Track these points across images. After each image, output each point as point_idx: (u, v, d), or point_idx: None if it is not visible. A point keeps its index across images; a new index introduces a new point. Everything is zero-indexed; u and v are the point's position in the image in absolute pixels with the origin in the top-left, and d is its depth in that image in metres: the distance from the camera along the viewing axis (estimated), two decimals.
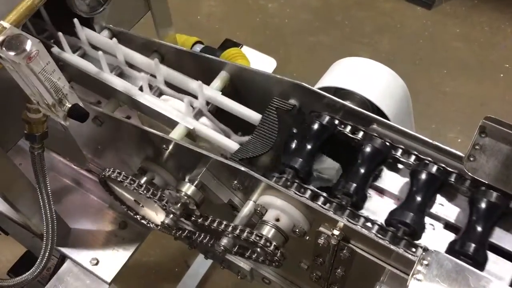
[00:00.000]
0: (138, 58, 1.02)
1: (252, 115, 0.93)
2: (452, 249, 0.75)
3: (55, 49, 1.01)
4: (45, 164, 0.96)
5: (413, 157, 0.82)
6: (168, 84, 1.00)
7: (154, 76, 1.00)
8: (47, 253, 1.04)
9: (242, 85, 0.99)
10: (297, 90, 0.91)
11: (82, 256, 1.20)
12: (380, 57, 2.63)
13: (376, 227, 0.77)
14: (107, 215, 1.27)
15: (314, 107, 0.90)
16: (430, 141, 0.81)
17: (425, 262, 0.67)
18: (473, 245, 0.73)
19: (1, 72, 0.79)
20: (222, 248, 0.84)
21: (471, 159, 0.77)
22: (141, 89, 0.98)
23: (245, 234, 0.81)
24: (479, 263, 0.73)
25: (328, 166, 0.88)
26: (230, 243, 0.84)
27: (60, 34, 0.97)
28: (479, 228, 0.75)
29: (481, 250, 0.73)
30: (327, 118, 0.87)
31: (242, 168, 0.81)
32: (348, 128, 0.86)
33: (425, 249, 0.71)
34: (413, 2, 2.88)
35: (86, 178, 1.31)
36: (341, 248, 0.80)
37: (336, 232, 0.77)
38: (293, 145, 0.89)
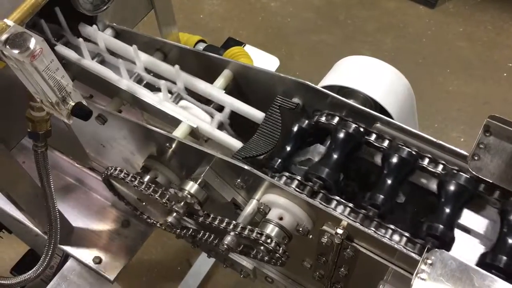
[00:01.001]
0: (161, 65, 1.02)
1: (256, 114, 0.93)
2: (482, 262, 0.73)
3: (58, 47, 1.01)
4: (49, 163, 0.96)
5: (440, 166, 0.80)
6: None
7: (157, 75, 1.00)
8: (51, 251, 1.05)
9: (245, 84, 0.99)
10: (301, 89, 0.91)
11: (85, 254, 1.20)
12: (383, 56, 2.62)
13: (404, 239, 0.74)
14: (110, 214, 1.27)
15: (317, 105, 0.90)
16: (435, 140, 0.81)
17: (429, 261, 0.67)
18: (504, 257, 0.70)
19: (5, 70, 0.79)
20: (225, 246, 0.84)
21: (476, 158, 0.76)
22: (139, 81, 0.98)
23: (248, 232, 0.81)
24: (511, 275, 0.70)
25: (312, 155, 0.88)
26: (234, 242, 0.84)
27: (81, 40, 0.98)
28: (510, 240, 0.72)
29: None
30: (353, 126, 0.84)
31: (246, 167, 0.81)
32: (373, 136, 0.84)
33: (429, 249, 0.71)
34: (416, 1, 2.87)
35: (89, 177, 1.31)
36: (345, 247, 0.80)
37: (339, 231, 0.76)
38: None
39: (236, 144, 0.90)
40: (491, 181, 0.75)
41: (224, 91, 0.96)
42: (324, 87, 0.91)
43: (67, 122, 0.82)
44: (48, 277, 1.24)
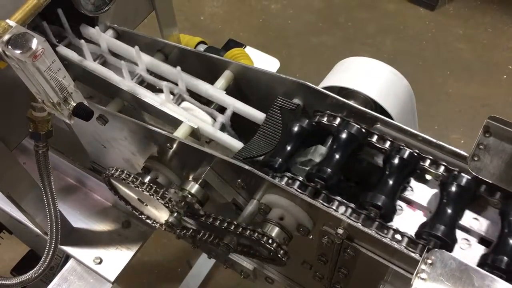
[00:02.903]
0: (124, 48, 1.03)
1: (256, 114, 0.93)
2: (484, 263, 0.73)
3: (60, 48, 1.01)
4: (50, 163, 0.96)
5: (442, 168, 0.80)
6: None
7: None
8: (51, 251, 1.05)
9: (246, 85, 0.99)
10: (301, 90, 0.91)
11: (85, 255, 1.20)
12: (383, 58, 2.61)
13: (406, 239, 0.74)
14: (110, 214, 1.27)
15: (318, 106, 0.90)
16: (434, 140, 0.81)
17: (429, 261, 0.68)
18: (505, 258, 0.70)
19: (6, 71, 0.79)
20: (226, 246, 0.84)
21: (475, 158, 0.77)
22: (141, 82, 0.99)
23: (249, 232, 0.81)
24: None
25: (313, 156, 0.88)
26: (234, 242, 0.84)
27: (83, 42, 0.98)
28: (511, 241, 0.72)
29: None
30: (355, 127, 0.84)
31: (246, 167, 0.81)
32: (375, 137, 0.84)
33: (429, 248, 0.71)
34: (416, 3, 2.88)
35: (89, 177, 1.31)
36: (345, 247, 0.80)
37: (340, 231, 0.77)
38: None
39: (237, 144, 0.90)
40: (491, 182, 0.75)
41: (225, 92, 0.96)
42: (325, 88, 0.92)
43: (68, 122, 0.82)
44: (48, 278, 1.24)
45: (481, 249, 0.77)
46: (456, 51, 2.69)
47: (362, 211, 0.77)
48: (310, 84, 0.90)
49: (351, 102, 0.88)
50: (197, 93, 0.98)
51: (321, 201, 0.78)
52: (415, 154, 0.81)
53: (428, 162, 0.81)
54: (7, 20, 0.74)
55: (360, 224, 0.75)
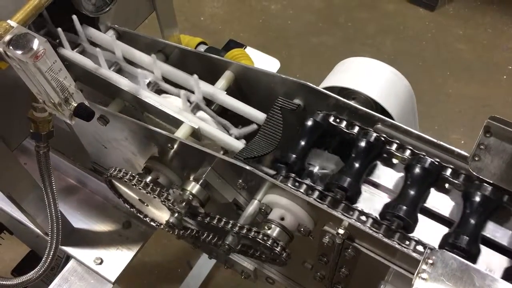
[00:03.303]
0: (137, 55, 1.03)
1: (257, 115, 0.93)
2: (445, 242, 0.76)
3: (65, 51, 1.01)
4: (50, 163, 0.96)
5: (408, 152, 0.83)
6: (169, 82, 1.01)
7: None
8: (52, 252, 1.05)
9: (246, 85, 0.99)
10: (302, 90, 0.91)
11: (86, 255, 1.20)
12: (383, 58, 2.61)
13: (370, 220, 0.78)
14: (111, 215, 1.27)
15: (318, 106, 0.91)
16: (435, 140, 0.81)
17: (430, 261, 0.68)
18: (466, 238, 0.74)
19: (7, 71, 0.80)
20: (227, 246, 0.84)
21: (476, 158, 0.77)
22: (158, 91, 0.99)
23: (249, 232, 0.81)
24: (472, 255, 0.74)
25: (327, 160, 0.89)
26: (235, 242, 0.84)
27: (59, 30, 0.97)
28: (472, 222, 0.76)
29: (474, 243, 0.74)
30: (321, 114, 0.89)
31: (247, 167, 0.81)
32: (344, 123, 0.88)
33: (431, 248, 0.71)
34: (416, 3, 2.88)
35: (90, 178, 1.31)
36: (346, 247, 0.80)
37: (341, 231, 0.77)
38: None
39: (237, 145, 0.90)
40: (491, 182, 0.76)
41: (225, 92, 0.96)
42: (325, 88, 0.92)
43: (69, 122, 0.82)
44: (48, 278, 1.24)
45: (443, 229, 0.80)
46: (456, 51, 2.69)
47: (329, 193, 0.80)
48: (311, 85, 0.90)
49: (352, 102, 0.88)
50: (170, 79, 0.99)
51: (316, 199, 0.79)
52: (382, 138, 0.84)
53: (394, 146, 0.84)
54: (8, 21, 0.74)
55: (359, 224, 0.76)
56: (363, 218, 0.78)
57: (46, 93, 0.76)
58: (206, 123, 0.93)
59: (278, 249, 0.79)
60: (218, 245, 0.90)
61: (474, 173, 0.77)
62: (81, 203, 1.29)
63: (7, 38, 0.70)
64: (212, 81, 0.98)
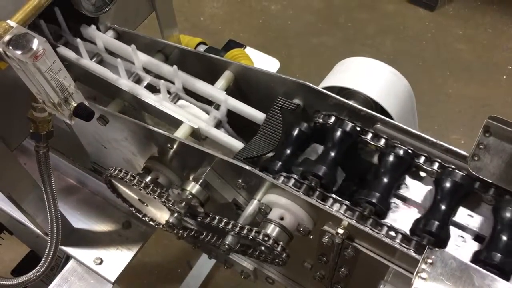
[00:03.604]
0: (118, 45, 1.03)
1: (257, 115, 0.93)
2: (477, 259, 0.73)
3: (60, 49, 1.01)
4: (50, 163, 0.96)
5: (436, 165, 0.81)
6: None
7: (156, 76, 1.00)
8: (52, 252, 1.05)
9: (246, 85, 0.99)
10: (301, 90, 0.91)
11: (86, 255, 1.20)
12: (383, 58, 2.61)
13: (400, 236, 0.75)
14: (111, 215, 1.27)
15: (318, 106, 0.91)
16: (435, 140, 0.81)
17: (429, 260, 0.68)
18: (498, 255, 0.70)
19: (7, 71, 0.80)
20: (226, 246, 0.84)
21: (476, 158, 0.77)
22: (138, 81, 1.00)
23: (249, 232, 0.81)
24: (505, 272, 0.70)
25: (309, 155, 0.89)
26: (235, 242, 0.84)
27: (79, 40, 0.99)
28: (504, 237, 0.73)
29: (507, 259, 0.71)
30: (350, 125, 0.86)
31: (247, 167, 0.81)
32: (369, 135, 0.85)
33: (429, 248, 0.71)
34: (415, 4, 2.88)
35: (90, 178, 1.31)
36: (345, 247, 0.80)
37: (340, 231, 0.77)
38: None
39: (237, 144, 0.90)
40: (491, 181, 0.76)
41: (225, 92, 0.97)
42: (325, 88, 0.92)
43: (69, 123, 0.82)
44: (48, 278, 1.24)
45: (475, 246, 0.77)
46: (456, 51, 2.69)
47: (356, 208, 0.78)
48: (310, 84, 0.90)
49: (351, 102, 0.88)
50: (195, 92, 0.98)
51: (320, 201, 0.79)
52: (410, 152, 0.82)
53: (422, 159, 0.82)
54: (8, 21, 0.74)
55: (359, 224, 0.76)
56: (392, 233, 0.75)
57: (45, 93, 0.76)
58: (187, 109, 0.94)
59: (276, 248, 0.79)
60: (217, 245, 0.90)
61: (473, 172, 0.77)
62: (81, 203, 1.29)
63: (7, 38, 0.71)
64: (212, 81, 0.98)
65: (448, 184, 0.78)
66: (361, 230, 0.75)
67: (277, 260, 0.82)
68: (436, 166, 0.81)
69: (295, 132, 0.89)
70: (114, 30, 1.09)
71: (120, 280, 1.19)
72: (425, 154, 0.82)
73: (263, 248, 0.81)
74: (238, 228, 0.83)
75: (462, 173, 0.78)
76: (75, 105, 0.80)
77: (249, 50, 1.53)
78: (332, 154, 0.84)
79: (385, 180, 0.81)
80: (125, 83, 0.98)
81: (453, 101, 2.50)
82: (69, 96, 0.79)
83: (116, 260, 1.20)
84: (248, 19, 2.92)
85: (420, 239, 0.74)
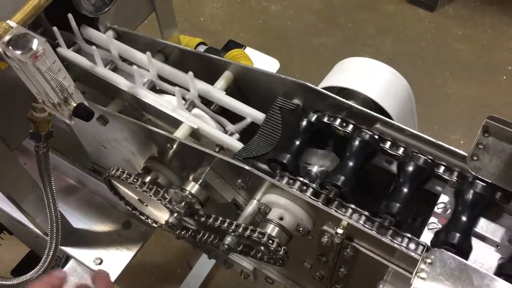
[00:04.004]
0: (132, 53, 1.03)
1: (256, 115, 0.93)
2: (501, 271, 0.71)
3: (60, 49, 1.01)
4: (50, 163, 0.96)
5: (455, 174, 0.80)
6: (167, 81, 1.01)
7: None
8: (52, 252, 1.05)
9: (246, 85, 0.99)
10: (301, 90, 0.91)
11: (85, 255, 1.20)
12: (383, 58, 2.62)
13: (420, 247, 0.74)
14: (110, 215, 1.27)
15: (317, 107, 0.91)
16: (434, 140, 0.81)
17: (428, 260, 0.68)
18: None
19: (7, 71, 0.80)
20: (226, 246, 0.84)
21: (475, 158, 0.77)
22: (152, 88, 0.99)
23: (249, 232, 0.81)
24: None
25: (323, 157, 0.89)
26: (234, 242, 0.84)
27: (55, 28, 0.97)
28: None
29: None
30: (369, 134, 0.85)
31: (247, 167, 0.81)
32: (388, 143, 0.85)
33: (428, 248, 0.71)
34: (415, 4, 2.89)
35: (89, 178, 1.31)
36: (345, 247, 0.80)
37: (339, 231, 0.77)
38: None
39: (237, 144, 0.90)
40: (490, 181, 0.76)
41: (224, 92, 0.97)
42: (324, 89, 0.92)
43: (68, 123, 0.82)
44: None
45: (496, 256, 0.75)
46: (456, 52, 2.69)
47: (376, 219, 0.77)
48: (310, 85, 0.90)
49: (351, 102, 0.88)
50: (204, 97, 0.98)
51: (315, 199, 0.79)
52: (429, 161, 0.81)
53: (442, 168, 0.81)
54: (8, 21, 0.75)
55: (358, 223, 0.76)
56: (412, 245, 0.74)
57: (45, 93, 0.77)
58: (202, 120, 0.93)
59: (276, 247, 0.79)
60: (217, 245, 0.90)
61: (472, 172, 0.77)
62: (81, 203, 1.29)
63: (7, 38, 0.71)
64: (212, 81, 0.99)
65: (469, 195, 0.77)
66: (360, 230, 0.75)
67: (276, 260, 0.82)
68: (455, 175, 0.80)
69: (305, 124, 0.89)
70: (114, 30, 1.09)
71: (120, 280, 1.19)
72: (443, 163, 0.81)
73: (262, 248, 0.81)
74: (237, 228, 0.83)
75: (483, 184, 0.76)
76: (74, 105, 0.80)
77: (249, 51, 1.53)
78: (351, 163, 0.84)
79: (405, 190, 0.80)
80: (122, 81, 0.98)
81: (453, 101, 2.51)
82: (68, 96, 0.79)
83: (116, 260, 1.20)
84: (248, 19, 2.92)
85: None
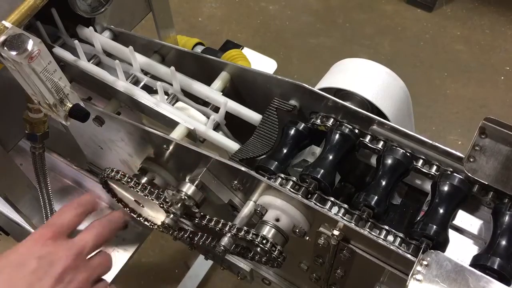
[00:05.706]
0: (115, 46, 1.03)
1: (253, 116, 0.93)
2: (476, 263, 0.72)
3: (56, 49, 1.01)
4: (46, 164, 0.96)
5: (434, 168, 0.80)
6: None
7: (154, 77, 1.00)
8: None
9: (242, 86, 0.99)
10: (298, 91, 0.91)
11: None
12: (381, 59, 2.64)
13: (398, 239, 0.74)
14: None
15: (314, 108, 0.91)
16: (430, 141, 0.81)
17: (424, 262, 0.68)
18: (498, 259, 0.70)
19: (2, 72, 0.79)
20: (222, 248, 0.84)
21: (471, 159, 0.77)
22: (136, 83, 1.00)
23: (245, 234, 0.81)
24: (506, 278, 0.69)
25: (306, 157, 0.89)
26: (230, 243, 0.84)
27: (76, 42, 0.98)
28: (503, 242, 0.72)
29: (508, 264, 0.70)
30: (348, 128, 0.86)
31: (243, 168, 0.81)
32: (368, 137, 0.85)
33: (424, 250, 0.71)
34: (413, 4, 2.89)
35: (86, 179, 1.31)
36: (341, 249, 0.80)
37: (336, 233, 0.77)
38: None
39: (233, 145, 0.90)
40: (486, 183, 0.76)
41: (221, 93, 0.97)
42: (321, 90, 0.92)
43: (64, 123, 0.82)
44: None
45: (474, 249, 0.77)
46: (454, 52, 2.69)
47: (355, 211, 0.78)
48: (306, 86, 0.90)
49: (348, 104, 0.88)
50: (193, 94, 0.98)
51: (314, 202, 0.79)
52: (408, 154, 0.81)
53: (421, 162, 0.82)
54: (3, 21, 0.75)
55: (355, 225, 0.75)
56: (390, 237, 0.75)
57: (41, 94, 0.76)
58: (186, 112, 0.94)
59: (272, 249, 0.79)
60: (213, 246, 0.90)
61: (469, 174, 0.77)
62: None
63: (2, 39, 0.70)
64: (209, 82, 0.98)
65: (446, 188, 0.77)
66: (356, 231, 0.75)
67: (272, 262, 0.82)
68: (434, 169, 0.80)
69: (291, 132, 0.89)
70: (111, 30, 1.09)
71: (117, 280, 1.19)
72: (422, 157, 0.82)
73: (258, 249, 0.81)
74: (233, 229, 0.83)
75: (461, 176, 0.77)
76: (70, 106, 0.80)
77: (246, 51, 1.53)
78: (331, 157, 0.83)
79: (383, 182, 0.80)
80: (121, 83, 0.97)
81: (450, 102, 2.51)
82: (64, 97, 0.79)
83: (112, 261, 1.19)
84: (246, 19, 2.91)
85: (419, 243, 0.73)
